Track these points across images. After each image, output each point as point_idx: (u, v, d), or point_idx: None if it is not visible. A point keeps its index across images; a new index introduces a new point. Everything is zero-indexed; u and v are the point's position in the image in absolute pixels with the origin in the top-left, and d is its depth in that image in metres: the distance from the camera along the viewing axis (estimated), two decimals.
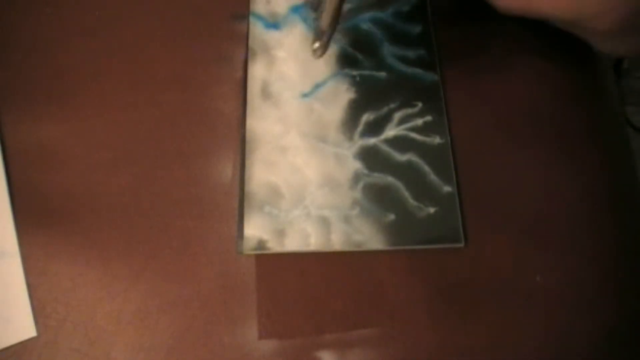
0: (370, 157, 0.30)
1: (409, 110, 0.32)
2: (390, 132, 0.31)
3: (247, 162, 0.30)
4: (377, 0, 0.32)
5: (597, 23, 0.27)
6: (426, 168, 0.30)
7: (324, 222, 0.29)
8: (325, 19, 0.28)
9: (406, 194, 0.30)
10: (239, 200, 0.30)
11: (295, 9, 0.34)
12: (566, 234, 0.29)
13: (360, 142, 0.31)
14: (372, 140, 0.31)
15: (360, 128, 0.31)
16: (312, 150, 0.31)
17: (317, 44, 0.29)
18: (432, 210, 0.29)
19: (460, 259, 0.28)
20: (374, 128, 0.31)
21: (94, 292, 0.28)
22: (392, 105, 0.32)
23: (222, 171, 0.31)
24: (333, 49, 0.33)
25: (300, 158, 0.31)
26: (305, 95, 0.32)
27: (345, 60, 0.33)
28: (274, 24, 0.34)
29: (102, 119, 0.32)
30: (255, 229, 0.29)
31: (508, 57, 0.33)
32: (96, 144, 0.31)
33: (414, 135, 0.31)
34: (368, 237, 0.29)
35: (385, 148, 0.31)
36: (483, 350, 0.27)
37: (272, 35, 0.34)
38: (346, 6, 0.30)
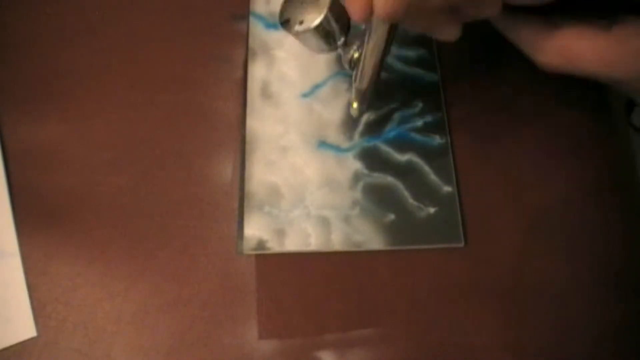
0: (370, 157, 0.30)
1: (409, 110, 0.32)
2: (391, 132, 0.31)
3: (247, 162, 0.30)
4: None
5: None
6: (426, 168, 0.30)
7: (324, 222, 0.29)
8: (364, 80, 0.27)
9: (406, 194, 0.30)
10: (239, 200, 0.30)
11: None
12: (567, 233, 0.29)
13: (360, 142, 0.31)
14: (372, 141, 0.31)
15: (360, 128, 0.31)
16: (312, 150, 0.31)
17: (355, 104, 0.29)
18: (432, 210, 0.29)
19: (460, 259, 0.28)
20: (374, 128, 0.31)
21: (94, 292, 0.28)
22: (392, 105, 0.32)
23: (222, 171, 0.31)
24: None
25: (300, 158, 0.31)
26: (305, 95, 0.32)
27: None
28: (274, 24, 0.34)
29: (102, 119, 0.32)
30: (255, 229, 0.29)
31: (508, 56, 0.33)
32: (96, 144, 0.31)
33: (414, 135, 0.31)
34: (368, 237, 0.29)
35: (385, 148, 0.31)
36: (483, 350, 0.27)
37: (272, 35, 0.34)
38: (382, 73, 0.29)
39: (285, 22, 0.26)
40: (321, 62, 0.33)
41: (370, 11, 0.22)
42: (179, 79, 0.33)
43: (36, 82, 0.33)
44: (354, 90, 0.29)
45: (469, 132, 0.31)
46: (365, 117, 0.31)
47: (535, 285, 0.28)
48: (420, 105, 0.32)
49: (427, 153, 0.31)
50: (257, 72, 0.33)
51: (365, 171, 0.30)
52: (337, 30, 0.26)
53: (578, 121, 0.32)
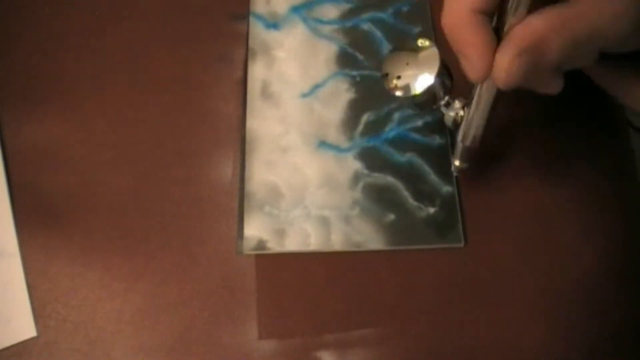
0: (370, 157, 0.30)
1: (409, 110, 0.32)
2: (390, 132, 0.31)
3: (247, 162, 0.30)
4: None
5: None
6: (426, 168, 0.30)
7: (324, 222, 0.29)
8: (470, 138, 0.26)
9: (406, 194, 0.30)
10: (239, 200, 0.30)
11: (295, 9, 0.34)
12: (567, 234, 0.29)
13: (360, 142, 0.31)
14: (372, 141, 0.31)
15: (360, 128, 0.31)
16: (312, 150, 0.31)
17: (458, 162, 0.28)
18: (432, 210, 0.29)
19: (460, 259, 0.28)
20: (374, 128, 0.31)
21: (94, 292, 0.28)
22: (392, 105, 0.32)
23: (222, 171, 0.31)
24: (333, 49, 0.33)
25: (300, 158, 0.31)
26: (305, 95, 0.32)
27: (345, 60, 0.33)
28: (274, 24, 0.34)
29: (102, 119, 0.32)
30: (255, 229, 0.29)
31: None
32: (96, 143, 0.31)
33: (414, 135, 0.31)
34: (368, 237, 0.29)
35: (385, 148, 0.31)
36: (483, 350, 0.27)
37: (272, 35, 0.34)
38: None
39: (384, 76, 0.25)
40: (321, 62, 0.33)
41: (488, 75, 0.22)
42: (179, 79, 0.33)
43: (36, 82, 0.33)
44: (458, 148, 0.27)
45: None
46: (365, 117, 0.31)
47: (535, 286, 0.28)
48: None
49: (427, 153, 0.31)
50: (257, 72, 0.33)
51: (365, 171, 0.30)
52: (441, 92, 0.25)
53: (578, 122, 0.32)
